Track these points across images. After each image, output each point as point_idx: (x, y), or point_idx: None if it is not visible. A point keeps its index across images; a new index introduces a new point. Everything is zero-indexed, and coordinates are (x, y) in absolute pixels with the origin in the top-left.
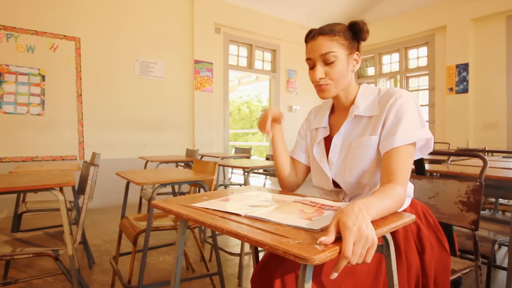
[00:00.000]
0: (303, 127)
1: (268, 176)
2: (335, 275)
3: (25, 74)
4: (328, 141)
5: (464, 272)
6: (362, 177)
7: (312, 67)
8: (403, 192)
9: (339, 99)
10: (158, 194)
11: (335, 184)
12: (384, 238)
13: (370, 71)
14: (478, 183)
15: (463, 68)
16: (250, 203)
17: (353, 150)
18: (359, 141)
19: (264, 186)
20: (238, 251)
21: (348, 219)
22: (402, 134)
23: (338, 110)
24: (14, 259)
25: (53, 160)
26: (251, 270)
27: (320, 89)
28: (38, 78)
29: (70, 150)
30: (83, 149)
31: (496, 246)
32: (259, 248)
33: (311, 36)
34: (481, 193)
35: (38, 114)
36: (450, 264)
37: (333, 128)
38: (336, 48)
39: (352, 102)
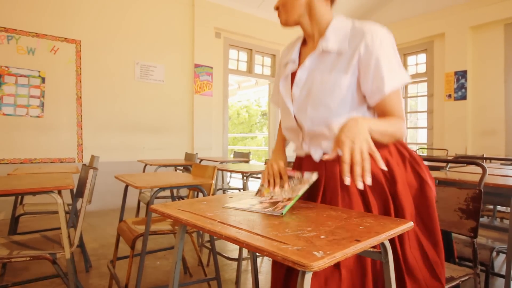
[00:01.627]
0: (277, 71)
1: None
2: (347, 180)
3: (25, 76)
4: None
5: (463, 279)
6: (327, 118)
7: None
8: (402, 123)
9: (303, 27)
10: (156, 198)
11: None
12: (382, 245)
13: None
14: (477, 191)
15: (462, 75)
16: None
17: (319, 86)
18: (326, 78)
19: None
20: (236, 256)
21: (342, 134)
22: (390, 80)
23: (308, 43)
24: (11, 261)
25: (51, 162)
26: (249, 275)
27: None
28: (38, 80)
29: (68, 153)
30: (82, 152)
31: (494, 254)
32: (257, 254)
33: None
34: (481, 200)
35: (38, 116)
36: (433, 197)
37: (302, 62)
38: None
39: (322, 34)
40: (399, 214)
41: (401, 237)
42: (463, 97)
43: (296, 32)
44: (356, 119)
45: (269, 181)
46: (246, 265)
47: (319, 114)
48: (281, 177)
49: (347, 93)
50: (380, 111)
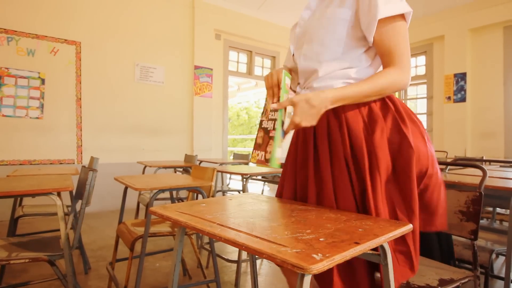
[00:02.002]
0: None
1: (266, 183)
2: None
3: (25, 78)
4: None
5: (463, 282)
6: (319, 53)
7: None
8: (397, 75)
9: None
10: (155, 199)
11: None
12: (381, 247)
13: None
14: (477, 193)
15: (461, 77)
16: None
17: (316, 22)
18: (322, 13)
19: (262, 193)
20: (235, 257)
21: (295, 113)
22: (384, 5)
23: None
24: (9, 264)
25: (50, 163)
26: (249, 277)
27: None
28: (37, 82)
29: (68, 154)
30: (81, 153)
31: (494, 256)
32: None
33: None
34: (481, 203)
35: (37, 118)
36: (412, 157)
37: None
38: None
39: None
40: (373, 166)
41: (375, 191)
42: (463, 99)
43: None
44: (313, 95)
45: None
46: (246, 267)
47: (313, 49)
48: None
49: (341, 27)
50: (379, 51)
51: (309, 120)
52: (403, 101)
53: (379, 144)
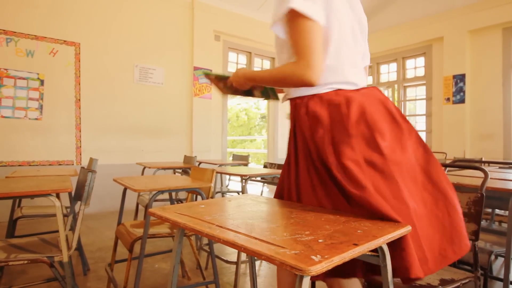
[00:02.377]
0: None
1: (265, 184)
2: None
3: (24, 79)
4: None
5: (463, 282)
6: (278, 63)
7: None
8: (293, 70)
9: None
10: (155, 200)
11: None
12: (380, 248)
13: (369, 80)
14: (479, 195)
15: (460, 78)
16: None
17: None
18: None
19: (261, 194)
20: (235, 259)
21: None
22: (274, 11)
23: None
24: (8, 265)
25: (50, 165)
26: (248, 279)
27: None
28: (37, 83)
29: (67, 155)
30: (80, 154)
31: (493, 257)
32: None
33: None
34: (482, 204)
35: (36, 119)
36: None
37: None
38: None
39: None
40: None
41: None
42: (462, 101)
43: None
44: (239, 69)
45: None
46: (245, 268)
47: (277, 60)
48: None
49: (281, 39)
50: None
51: (237, 84)
52: (403, 102)
53: (320, 143)
